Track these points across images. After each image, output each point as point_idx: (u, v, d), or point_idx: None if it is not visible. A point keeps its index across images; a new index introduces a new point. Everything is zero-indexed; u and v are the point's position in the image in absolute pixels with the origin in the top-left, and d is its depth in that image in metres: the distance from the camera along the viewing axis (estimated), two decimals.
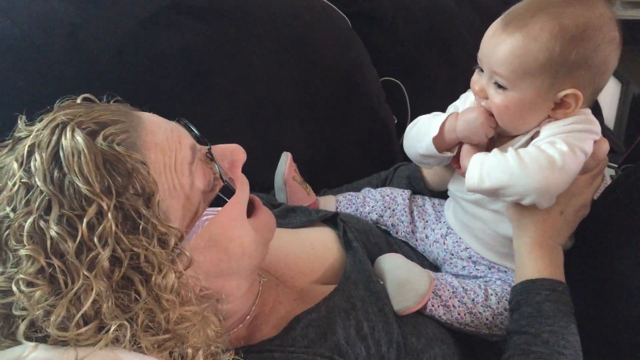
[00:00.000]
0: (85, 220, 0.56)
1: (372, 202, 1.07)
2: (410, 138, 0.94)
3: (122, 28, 1.09)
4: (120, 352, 0.57)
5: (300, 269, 0.91)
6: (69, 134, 0.59)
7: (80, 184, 0.57)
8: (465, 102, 0.93)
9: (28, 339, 0.56)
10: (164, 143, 0.66)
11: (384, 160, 1.22)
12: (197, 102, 1.16)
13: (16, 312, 0.56)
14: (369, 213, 1.06)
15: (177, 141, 0.67)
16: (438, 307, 0.87)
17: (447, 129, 0.88)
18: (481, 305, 0.88)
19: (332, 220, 0.99)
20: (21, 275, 0.55)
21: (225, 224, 0.70)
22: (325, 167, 1.34)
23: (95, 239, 0.56)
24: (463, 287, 0.90)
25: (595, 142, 0.83)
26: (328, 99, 1.39)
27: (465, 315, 0.88)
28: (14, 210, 0.57)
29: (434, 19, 1.71)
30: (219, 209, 0.69)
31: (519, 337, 0.80)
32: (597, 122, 0.84)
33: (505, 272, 0.93)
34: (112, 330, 0.56)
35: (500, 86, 0.81)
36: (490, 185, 0.80)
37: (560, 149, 0.78)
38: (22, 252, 0.55)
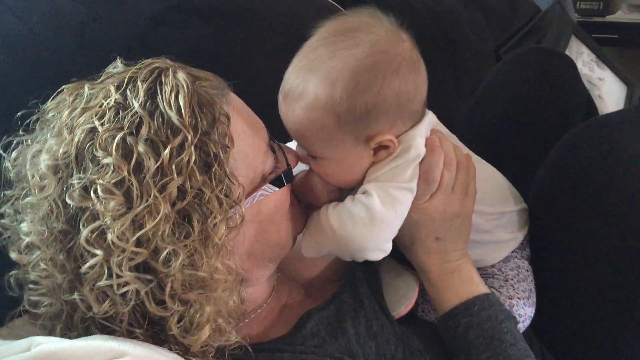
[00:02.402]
0: (169, 147, 0.59)
1: None
2: None
3: (129, 27, 1.10)
4: (126, 344, 0.57)
5: (305, 264, 0.91)
6: (171, 74, 0.64)
7: (172, 114, 0.61)
8: None
9: (89, 244, 0.58)
10: (244, 114, 0.72)
11: None
12: None
13: (81, 225, 0.58)
14: None
15: (258, 121, 0.75)
16: (429, 311, 0.87)
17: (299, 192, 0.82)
18: None
19: None
20: (100, 181, 0.57)
21: (273, 205, 0.73)
22: None
23: (173, 167, 0.59)
24: None
25: (420, 163, 0.76)
26: None
27: None
28: (102, 124, 0.60)
29: (439, 21, 1.71)
30: (275, 188, 0.72)
31: None
32: (416, 145, 0.76)
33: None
34: (163, 255, 0.58)
35: (311, 155, 0.78)
36: (326, 251, 0.78)
37: (368, 203, 0.73)
38: (107, 160, 0.58)
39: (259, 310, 0.79)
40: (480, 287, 0.81)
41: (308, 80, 0.72)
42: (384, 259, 0.90)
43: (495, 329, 0.77)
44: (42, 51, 1.00)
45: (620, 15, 2.79)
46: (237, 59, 1.23)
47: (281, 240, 0.75)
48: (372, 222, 0.73)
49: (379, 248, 0.77)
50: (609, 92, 2.19)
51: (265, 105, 1.27)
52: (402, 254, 0.89)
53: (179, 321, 0.61)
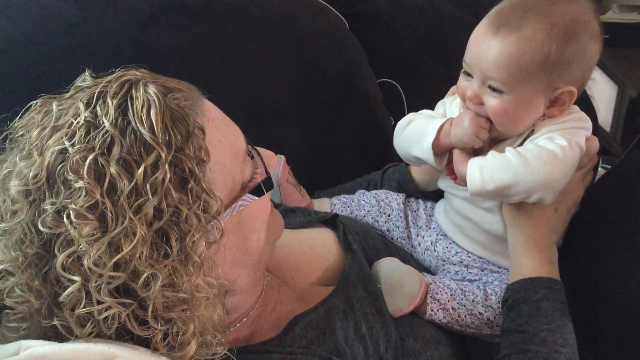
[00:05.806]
0: (142, 166, 0.58)
1: (368, 206, 1.06)
2: (403, 138, 0.93)
3: (120, 28, 1.09)
4: (116, 347, 0.57)
5: (300, 269, 0.91)
6: (141, 87, 0.62)
7: (144, 132, 0.59)
8: (452, 103, 0.93)
9: (65, 270, 0.57)
10: (220, 123, 0.69)
11: (381, 162, 1.21)
12: None
13: (56, 250, 0.57)
14: (364, 217, 1.06)
15: (235, 129, 0.72)
16: (437, 311, 0.87)
17: (443, 134, 0.87)
18: (482, 306, 0.88)
19: (331, 221, 0.99)
20: (73, 206, 0.56)
21: (254, 214, 0.72)
22: (322, 168, 1.34)
23: (148, 186, 0.57)
24: (462, 289, 0.90)
25: (586, 138, 0.83)
26: (325, 100, 1.39)
27: (465, 317, 0.88)
28: (73, 145, 0.58)
29: (430, 20, 1.71)
30: (254, 197, 0.71)
31: (515, 336, 0.80)
32: (588, 118, 0.85)
33: (499, 272, 0.93)
34: (143, 278, 0.57)
35: (494, 89, 0.81)
36: (495, 186, 0.80)
37: (560, 144, 0.80)
38: (79, 184, 0.56)
39: (246, 317, 0.78)
40: (559, 276, 0.85)
41: (528, 17, 0.78)
42: (390, 259, 0.91)
43: (563, 312, 0.81)
44: (32, 52, 0.99)
45: (611, 15, 2.80)
46: (228, 60, 1.23)
47: (260, 248, 0.74)
48: (563, 162, 0.79)
49: (555, 191, 0.81)
50: (600, 92, 2.20)
51: (254, 105, 1.28)
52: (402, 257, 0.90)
53: (163, 339, 0.60)
